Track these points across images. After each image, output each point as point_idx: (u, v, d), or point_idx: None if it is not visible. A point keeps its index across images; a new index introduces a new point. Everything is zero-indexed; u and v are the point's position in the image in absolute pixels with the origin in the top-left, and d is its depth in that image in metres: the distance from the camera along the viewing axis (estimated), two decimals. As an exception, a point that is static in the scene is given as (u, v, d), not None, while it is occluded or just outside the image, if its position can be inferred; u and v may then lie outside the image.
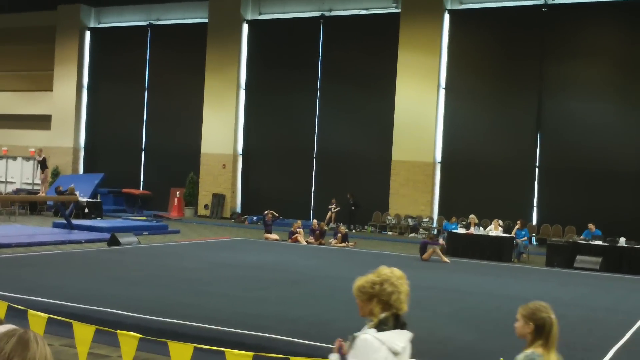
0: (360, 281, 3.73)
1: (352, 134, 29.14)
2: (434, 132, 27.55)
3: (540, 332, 3.92)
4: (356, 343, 3.43)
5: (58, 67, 35.37)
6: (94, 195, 29.24)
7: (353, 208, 27.94)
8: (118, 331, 6.66)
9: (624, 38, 25.28)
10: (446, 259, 18.35)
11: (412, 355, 7.69)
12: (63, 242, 18.24)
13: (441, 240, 19.98)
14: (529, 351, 3.93)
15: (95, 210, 27.18)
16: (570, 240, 20.01)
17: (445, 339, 8.96)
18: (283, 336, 8.38)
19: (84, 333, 6.70)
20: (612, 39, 25.52)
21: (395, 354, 3.45)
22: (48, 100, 35.58)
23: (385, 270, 3.72)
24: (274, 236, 22.49)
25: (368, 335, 3.45)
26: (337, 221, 26.94)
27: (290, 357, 5.96)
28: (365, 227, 28.11)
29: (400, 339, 3.50)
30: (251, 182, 31.60)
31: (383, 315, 3.52)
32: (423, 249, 18.69)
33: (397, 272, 3.70)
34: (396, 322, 3.54)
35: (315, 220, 23.36)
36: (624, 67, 25.08)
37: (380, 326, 3.49)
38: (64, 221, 21.94)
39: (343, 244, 21.57)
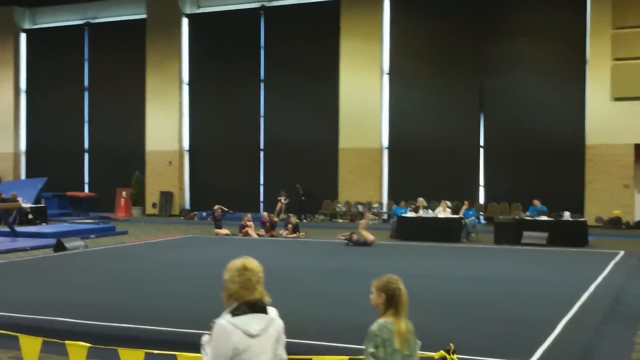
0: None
1: (299, 124, 29.13)
2: (380, 118, 27.75)
3: (391, 302, 4.32)
4: (214, 328, 3.81)
5: (-7, 71, 34.44)
6: (37, 200, 28.58)
7: (303, 198, 27.96)
8: (66, 342, 6.53)
9: (563, 16, 25.78)
10: (370, 237, 18.59)
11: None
12: (7, 251, 17.77)
13: (365, 218, 20.21)
14: (382, 320, 4.30)
15: (39, 215, 26.55)
16: (517, 217, 20.41)
17: (398, 324, 9.03)
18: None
19: (31, 345, 6.55)
20: (551, 18, 26.00)
21: (251, 336, 3.80)
22: (-16, 106, 34.60)
23: (233, 265, 4.01)
24: (224, 231, 22.35)
25: (223, 321, 3.81)
26: (287, 212, 26.92)
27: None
28: (316, 216, 28.17)
29: (257, 322, 3.85)
30: (199, 178, 31.33)
31: (236, 303, 3.86)
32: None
33: (238, 263, 4.01)
34: (253, 308, 3.87)
35: (265, 213, 23.31)
36: (563, 45, 25.62)
37: (235, 312, 3.83)
38: (8, 229, 21.39)
39: (294, 235, 21.58)
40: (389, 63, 27.86)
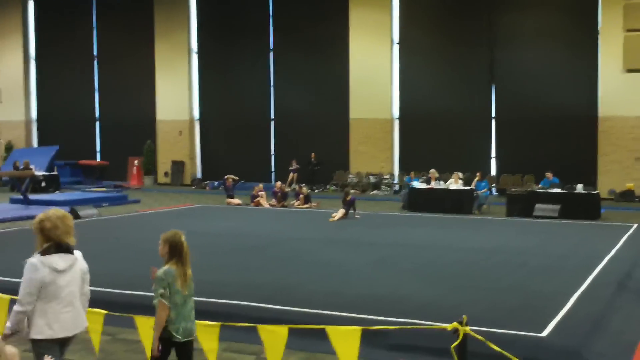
0: (34, 220, 4.80)
1: (309, 95, 28.99)
2: (390, 89, 27.57)
3: (174, 252, 5.09)
4: (25, 266, 4.65)
5: (2, 39, 34.35)
6: (50, 168, 28.70)
7: (317, 168, 27.90)
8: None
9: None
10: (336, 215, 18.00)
11: (376, 313, 7.76)
12: (20, 218, 17.91)
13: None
14: (166, 267, 5.10)
15: (52, 183, 26.69)
16: (529, 189, 20.32)
17: (408, 295, 9.06)
18: (249, 302, 8.40)
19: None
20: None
21: (57, 271, 4.67)
22: (-6, 73, 34.62)
23: (49, 212, 4.77)
24: (236, 201, 22.39)
25: (33, 259, 4.69)
26: (299, 182, 26.92)
27: (258, 326, 5.97)
28: (327, 186, 28.17)
29: (63, 261, 4.72)
30: (210, 147, 31.33)
31: (46, 244, 4.69)
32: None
33: (59, 212, 4.80)
34: (60, 248, 4.71)
35: (279, 182, 23.27)
36: (575, 16, 25.26)
37: (44, 252, 4.69)
38: (21, 196, 21.52)
39: (306, 205, 21.58)
40: (399, 33, 27.59)
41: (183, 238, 5.16)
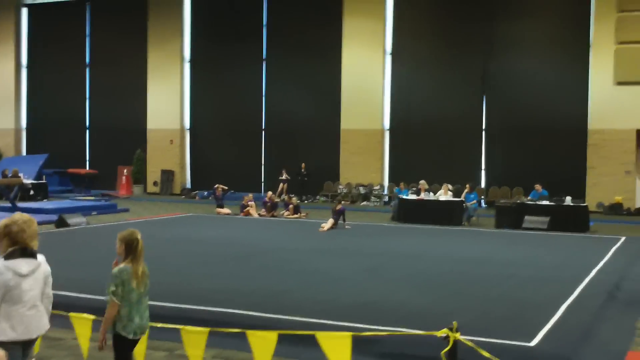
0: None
1: (300, 104, 29.03)
2: (382, 99, 27.66)
3: (129, 250, 5.27)
4: None
5: (-6, 46, 34.30)
6: (38, 176, 28.55)
7: (305, 179, 27.90)
8: (70, 313, 6.54)
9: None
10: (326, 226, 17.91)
11: (366, 321, 7.75)
12: (9, 226, 17.75)
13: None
14: (122, 265, 5.30)
15: (40, 192, 26.55)
16: (518, 201, 20.39)
17: (399, 303, 9.06)
18: (238, 310, 8.36)
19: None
20: None
21: (21, 275, 4.75)
22: (-15, 81, 34.49)
23: (15, 217, 4.85)
24: (225, 210, 22.35)
25: None
26: (289, 192, 26.90)
27: (247, 331, 5.94)
28: (317, 197, 28.16)
29: (27, 265, 4.80)
30: (200, 157, 31.29)
31: (11, 249, 4.74)
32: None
33: (25, 217, 4.89)
34: (24, 253, 4.79)
35: (270, 192, 23.25)
36: (567, 27, 25.47)
37: (8, 256, 4.75)
38: (9, 204, 21.39)
39: (295, 215, 21.57)
40: (391, 43, 27.72)
41: (139, 237, 5.35)
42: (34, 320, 4.87)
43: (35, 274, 4.88)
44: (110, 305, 5.20)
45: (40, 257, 4.97)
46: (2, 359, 4.47)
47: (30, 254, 4.86)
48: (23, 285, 4.79)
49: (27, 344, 4.93)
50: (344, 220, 18.36)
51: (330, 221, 18.11)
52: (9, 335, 4.75)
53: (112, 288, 5.20)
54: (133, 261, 5.28)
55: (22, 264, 4.80)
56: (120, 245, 5.33)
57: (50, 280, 5.07)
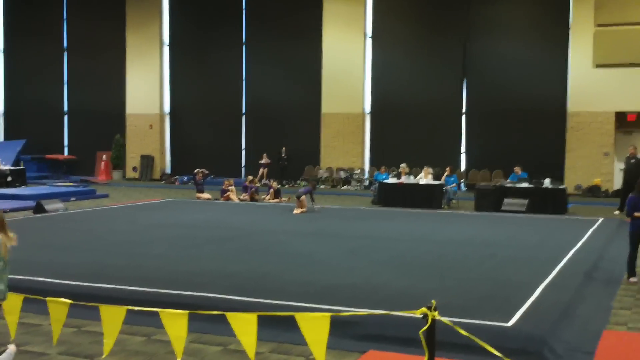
0: None
1: (281, 88, 28.93)
2: (362, 82, 27.63)
3: (2, 225, 5.92)
4: None
5: (-31, 30, 33.78)
6: (16, 162, 28.24)
7: (286, 164, 27.83)
8: (47, 298, 6.49)
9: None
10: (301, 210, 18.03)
11: (346, 303, 7.77)
12: (-14, 212, 17.57)
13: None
14: None
15: (18, 178, 26.25)
16: (498, 184, 20.50)
17: (380, 285, 9.08)
18: (219, 294, 8.34)
19: (12, 302, 6.49)
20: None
21: None
22: (-40, 66, 33.99)
23: None
24: (205, 195, 22.27)
25: None
26: (269, 177, 26.85)
27: (226, 314, 5.92)
28: (298, 181, 28.14)
29: None
30: (180, 142, 31.11)
31: None
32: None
33: None
34: None
35: (250, 176, 23.20)
36: (546, 10, 25.54)
37: None
38: (-14, 191, 21.16)
39: (275, 200, 21.55)
40: (372, 26, 27.65)
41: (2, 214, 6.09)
42: None
43: None
44: None
45: None
46: (13, 351, 4.53)
47: None
48: None
49: None
50: (312, 200, 18.36)
51: (300, 202, 18.07)
52: None
53: None
54: (2, 232, 5.92)
55: None
56: None
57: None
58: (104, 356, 6.38)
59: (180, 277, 9.37)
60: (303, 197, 18.14)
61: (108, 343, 6.24)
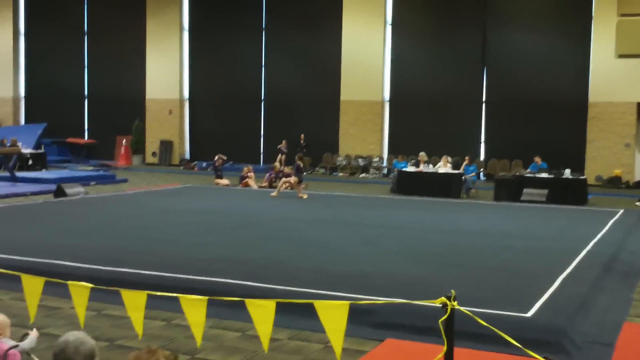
0: None
1: (300, 75, 28.88)
2: (382, 70, 27.49)
3: None
4: None
5: (-9, 14, 33.99)
6: (37, 146, 28.50)
7: (304, 150, 27.78)
8: (69, 282, 6.54)
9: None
10: (303, 194, 18.49)
11: (362, 291, 7.77)
12: (7, 196, 17.79)
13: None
14: None
15: (39, 161, 26.50)
16: (517, 174, 20.37)
17: (395, 274, 9.08)
18: (236, 280, 8.39)
19: (33, 285, 6.53)
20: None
21: None
22: (-18, 49, 34.24)
23: None
24: (224, 181, 22.31)
25: None
26: (287, 164, 26.81)
27: (245, 300, 5.94)
28: (316, 169, 28.12)
29: None
30: (199, 128, 31.20)
31: None
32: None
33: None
34: None
35: (276, 164, 23.27)
36: None
37: None
38: (8, 174, 21.38)
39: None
40: (392, 14, 27.48)
41: None
42: None
43: None
44: None
45: None
46: (35, 336, 4.78)
47: None
48: None
49: None
50: (300, 181, 18.74)
51: (293, 179, 18.59)
52: None
53: None
54: None
55: None
56: None
57: None
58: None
59: (197, 263, 9.42)
60: (295, 179, 18.65)
61: (138, 330, 6.12)
